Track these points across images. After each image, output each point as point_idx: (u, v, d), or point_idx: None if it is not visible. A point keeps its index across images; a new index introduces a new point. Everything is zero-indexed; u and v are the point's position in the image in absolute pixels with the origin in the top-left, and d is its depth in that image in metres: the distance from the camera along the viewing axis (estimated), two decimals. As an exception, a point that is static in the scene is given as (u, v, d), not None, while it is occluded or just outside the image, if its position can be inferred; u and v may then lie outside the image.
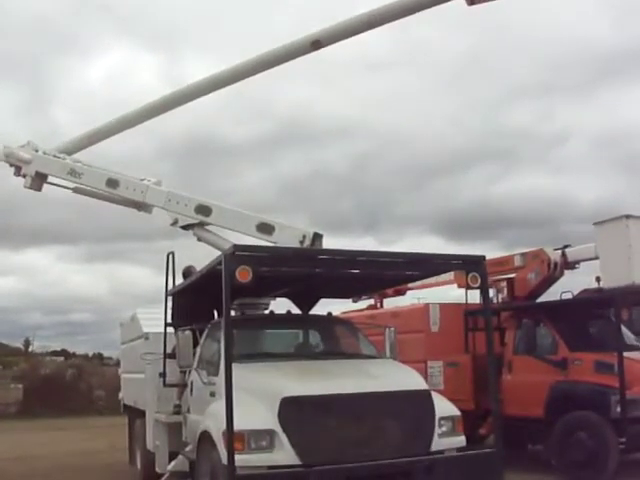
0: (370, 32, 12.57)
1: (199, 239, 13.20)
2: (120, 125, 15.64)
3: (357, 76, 57.49)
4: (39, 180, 15.52)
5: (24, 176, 15.53)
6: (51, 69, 64.36)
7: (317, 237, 11.31)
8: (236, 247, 8.43)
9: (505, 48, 51.81)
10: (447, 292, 18.31)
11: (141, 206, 14.35)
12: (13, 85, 65.00)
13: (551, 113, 56.00)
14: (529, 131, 52.95)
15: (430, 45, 52.29)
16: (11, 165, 15.71)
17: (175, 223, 13.34)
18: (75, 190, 15.18)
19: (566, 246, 15.99)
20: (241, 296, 10.76)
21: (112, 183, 14.30)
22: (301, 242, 11.24)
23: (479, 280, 9.13)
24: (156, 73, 68.78)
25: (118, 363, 21.62)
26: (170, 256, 12.08)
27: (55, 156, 15.39)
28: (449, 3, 11.79)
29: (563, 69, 50.88)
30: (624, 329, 13.79)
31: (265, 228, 11.92)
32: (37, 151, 15.54)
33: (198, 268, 10.96)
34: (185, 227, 13.23)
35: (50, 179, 15.57)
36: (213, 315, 11.76)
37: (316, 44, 12.85)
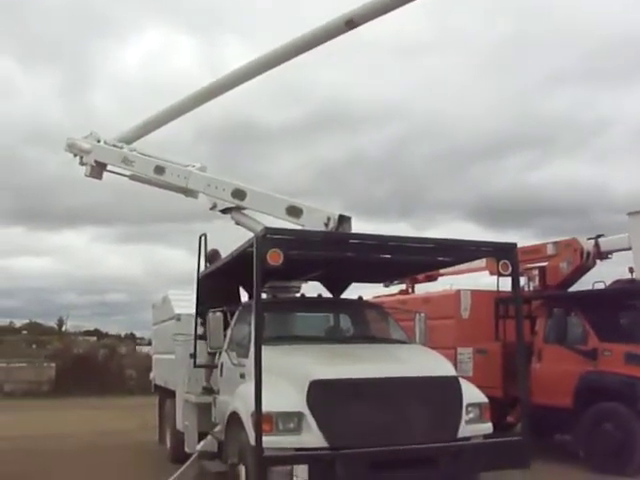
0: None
1: (237, 223, 13.42)
2: (173, 113, 16.00)
3: (395, 61, 57.54)
4: (99, 168, 16.23)
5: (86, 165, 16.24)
6: (89, 52, 64.89)
7: (344, 220, 11.27)
8: (267, 230, 8.46)
9: (547, 34, 51.45)
10: (479, 279, 18.23)
11: (187, 191, 14.59)
12: (52, 67, 65.66)
13: (592, 101, 55.68)
14: (569, 118, 52.65)
15: (470, 30, 52.10)
16: (75, 155, 16.41)
17: (214, 207, 13.66)
18: (131, 177, 15.81)
19: (599, 236, 15.87)
20: (272, 279, 10.80)
21: (159, 170, 14.85)
22: (326, 224, 11.23)
23: (510, 268, 9.11)
24: (193, 56, 69.12)
25: (150, 343, 21.76)
26: (202, 238, 12.21)
27: (114, 145, 16.03)
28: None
29: (605, 56, 50.52)
30: (656, 321, 13.73)
31: (293, 211, 11.97)
32: (99, 141, 16.23)
33: (226, 251, 11.03)
34: (224, 211, 13.53)
35: (109, 167, 16.18)
36: (239, 298, 11.85)
37: (350, 23, 12.78)
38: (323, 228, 11.14)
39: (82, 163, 16.28)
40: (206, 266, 12.21)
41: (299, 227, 11.50)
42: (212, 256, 12.30)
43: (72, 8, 56.78)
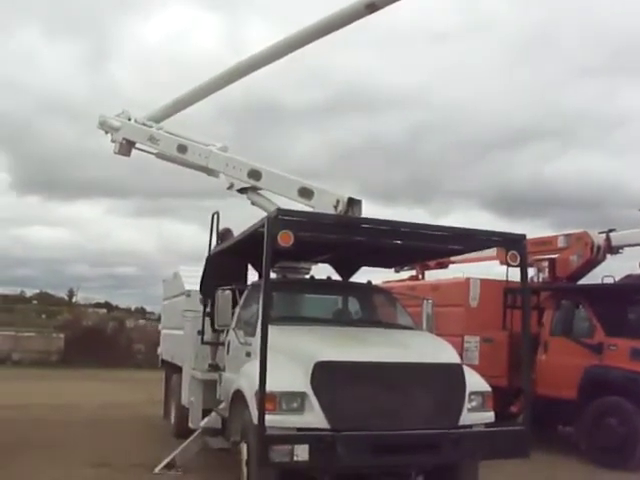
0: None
1: (252, 203, 13.46)
2: (201, 93, 16.10)
3: (420, 46, 57.38)
4: (128, 146, 16.44)
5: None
6: (113, 26, 64.95)
7: (354, 203, 11.27)
8: (279, 211, 8.52)
9: (572, 27, 51.30)
10: (491, 268, 18.22)
11: (208, 171, 14.71)
12: (75, 40, 65.79)
13: (612, 95, 55.39)
14: (589, 112, 52.46)
15: (497, 19, 51.90)
16: (106, 132, 16.64)
17: (231, 187, 13.75)
18: (157, 155, 15.98)
19: (611, 230, 15.88)
20: (282, 259, 10.85)
21: (182, 149, 15.00)
22: (335, 207, 11.26)
23: (518, 258, 9.13)
24: (217, 35, 69.06)
25: (160, 318, 21.90)
26: (215, 216, 12.32)
27: (144, 124, 16.22)
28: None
29: (627, 51, 50.24)
30: (664, 317, 13.75)
31: (305, 192, 12.02)
32: (130, 119, 16.45)
33: (239, 229, 11.09)
34: (240, 191, 13.60)
35: (138, 145, 16.39)
36: (247, 278, 11.94)
37: (371, 7, 12.70)
38: (332, 210, 11.17)
39: (113, 140, 16.48)
40: (217, 244, 12.31)
41: (310, 209, 11.54)
42: (224, 234, 12.38)
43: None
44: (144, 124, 16.15)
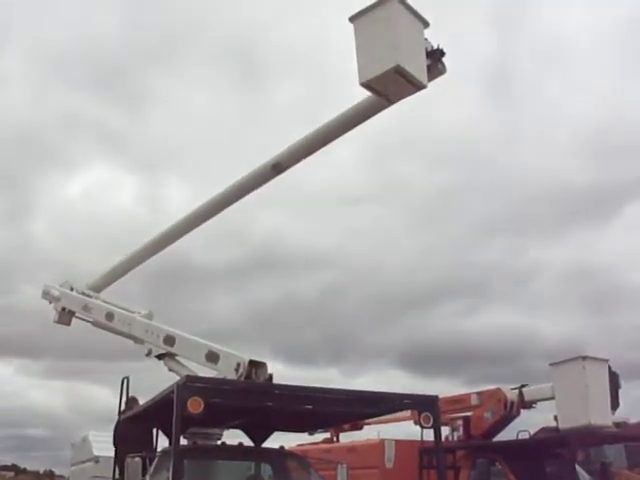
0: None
1: (170, 369, 13.21)
2: (133, 262, 15.92)
3: (332, 208, 58.23)
4: (69, 315, 16.15)
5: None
6: (32, 182, 65.03)
7: (259, 365, 11.13)
8: (188, 378, 8.50)
9: (478, 184, 52.77)
10: (409, 426, 18.18)
11: (134, 338, 14.46)
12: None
13: (521, 250, 56.72)
14: (499, 267, 53.50)
15: (405, 180, 53.24)
16: (50, 302, 16.44)
17: (149, 353, 13.46)
18: (93, 324, 15.58)
19: (523, 385, 16.02)
20: (193, 425, 10.64)
21: (109, 316, 14.72)
22: (236, 370, 11.15)
23: (431, 420, 9.17)
24: (135, 194, 69.49)
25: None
26: (125, 381, 12.13)
27: (83, 293, 15.98)
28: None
29: (534, 207, 51.80)
30: (579, 469, 13.78)
31: (212, 357, 11.86)
32: (72, 289, 16.20)
33: (155, 391, 10.90)
34: (158, 357, 13.35)
35: (78, 314, 16.05)
36: (156, 444, 11.71)
37: (277, 167, 12.80)
38: (233, 374, 11.05)
39: (55, 309, 16.28)
40: (124, 411, 12.09)
41: (216, 373, 11.42)
42: (130, 403, 12.18)
43: (18, 137, 57.28)
44: (83, 293, 15.95)
